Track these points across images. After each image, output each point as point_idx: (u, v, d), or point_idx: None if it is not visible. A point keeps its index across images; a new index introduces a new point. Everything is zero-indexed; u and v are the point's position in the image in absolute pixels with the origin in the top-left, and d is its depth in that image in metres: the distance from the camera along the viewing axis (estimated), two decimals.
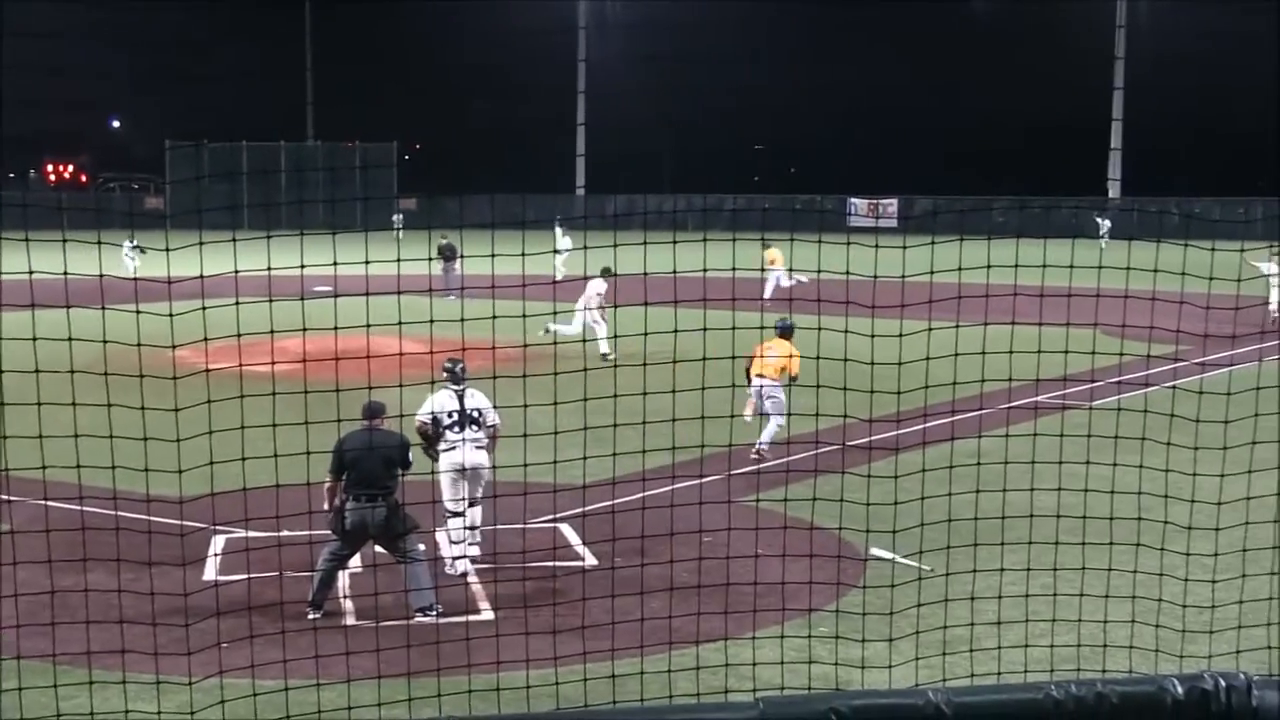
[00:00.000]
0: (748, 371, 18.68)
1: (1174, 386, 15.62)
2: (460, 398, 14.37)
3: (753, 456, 18.79)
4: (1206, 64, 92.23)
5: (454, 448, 14.29)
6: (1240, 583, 9.89)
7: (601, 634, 9.85)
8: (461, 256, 35.95)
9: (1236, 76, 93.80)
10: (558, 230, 46.51)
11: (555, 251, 42.79)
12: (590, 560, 14.35)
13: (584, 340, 27.00)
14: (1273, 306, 34.65)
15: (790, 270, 35.78)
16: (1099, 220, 71.92)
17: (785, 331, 19.07)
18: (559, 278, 40.47)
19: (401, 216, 67.02)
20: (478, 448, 14.35)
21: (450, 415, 14.34)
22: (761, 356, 19.03)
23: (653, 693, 9.23)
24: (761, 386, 19.04)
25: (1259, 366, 18.00)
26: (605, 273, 27.87)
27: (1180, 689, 4.01)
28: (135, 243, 45.04)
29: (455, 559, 14.21)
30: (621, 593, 10.86)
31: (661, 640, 10.47)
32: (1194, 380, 20.45)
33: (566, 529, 15.34)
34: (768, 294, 38.52)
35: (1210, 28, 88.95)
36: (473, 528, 14.37)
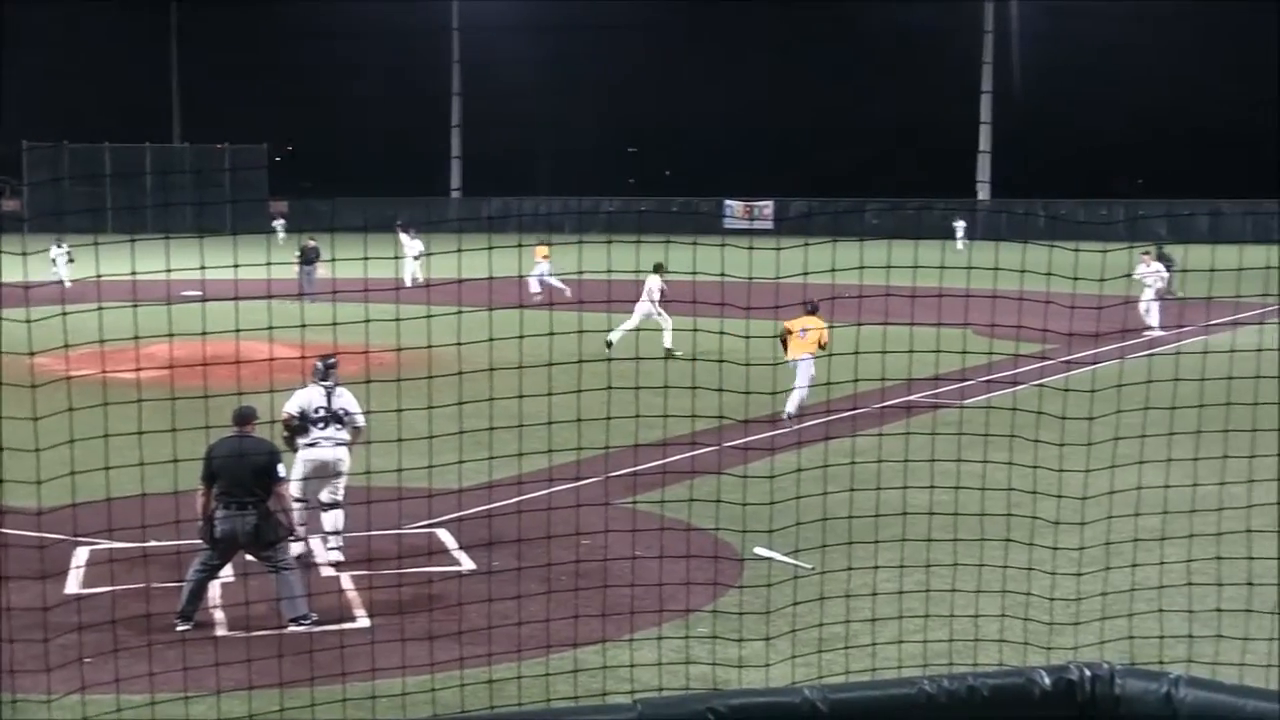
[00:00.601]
0: (784, 344, 21.35)
1: (1041, 384, 15.90)
2: (329, 395, 14.42)
3: (783, 421, 20.66)
4: (1072, 69, 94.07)
5: (316, 443, 14.38)
6: (1104, 575, 10.09)
7: (479, 639, 9.80)
8: (333, 259, 35.70)
9: (1101, 81, 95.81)
10: (402, 235, 46.14)
11: (398, 258, 42.74)
12: (468, 565, 14.27)
13: (638, 330, 28.08)
14: (1142, 309, 35.35)
15: (554, 274, 36.23)
16: (954, 224, 72.87)
17: (814, 309, 21.10)
18: (410, 283, 40.38)
19: (284, 222, 66.23)
20: (338, 444, 14.48)
21: (318, 411, 14.39)
22: (799, 335, 21.42)
23: (531, 697, 9.21)
24: (799, 362, 21.40)
25: (1121, 364, 18.37)
26: (658, 268, 28.39)
27: (1048, 680, 4.09)
28: (65, 247, 43.36)
29: (296, 540, 14.13)
30: (499, 597, 10.82)
31: (539, 644, 10.44)
32: (1060, 378, 20.84)
33: (444, 533, 15.25)
34: (535, 288, 38.55)
35: (1078, 34, 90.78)
36: (336, 532, 14.40)
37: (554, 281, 38.65)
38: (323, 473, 14.51)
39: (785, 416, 20.90)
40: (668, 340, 28.26)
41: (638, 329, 28.52)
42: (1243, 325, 29.76)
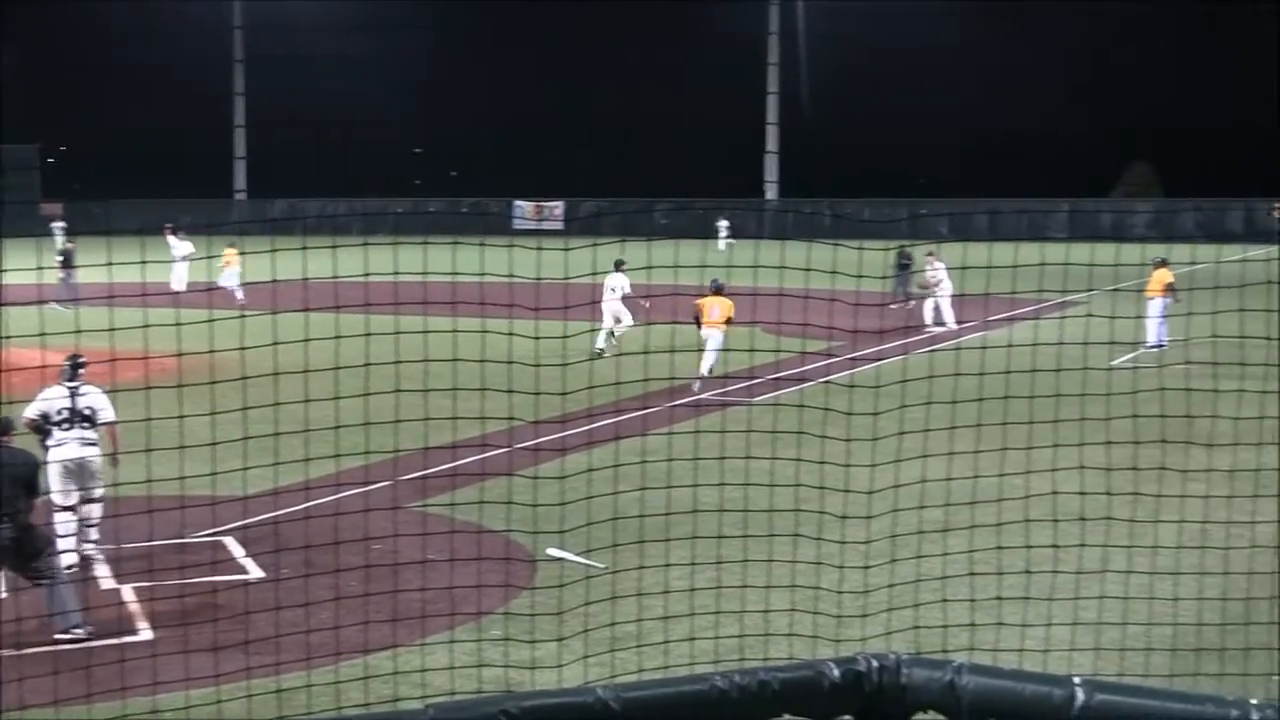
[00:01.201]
0: (697, 320, 24.86)
1: (828, 381, 16.18)
2: (73, 395, 14.12)
3: (695, 387, 23.87)
4: (858, 71, 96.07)
5: (63, 444, 14.08)
6: (890, 567, 10.30)
7: (266, 648, 9.60)
8: (110, 263, 34.62)
9: (885, 83, 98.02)
10: (170, 238, 45.10)
11: (170, 261, 41.83)
12: (255, 573, 13.98)
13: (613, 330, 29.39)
14: (928, 310, 36.19)
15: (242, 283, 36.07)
16: (719, 224, 73.59)
17: (719, 288, 24.85)
18: (177, 287, 39.53)
19: (64, 225, 64.13)
20: (86, 444, 14.23)
21: (60, 412, 14.08)
22: (710, 312, 24.95)
23: (320, 705, 9.06)
24: (710, 336, 25.03)
25: (904, 360, 18.79)
26: (619, 265, 29.68)
27: (837, 671, 4.13)
28: None
29: (65, 552, 13.81)
30: (287, 604, 10.61)
31: (329, 651, 10.28)
32: (846, 375, 21.24)
33: (230, 541, 14.92)
34: (234, 287, 38.17)
35: (863, 36, 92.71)
36: (90, 525, 14.18)
37: (234, 285, 38.03)
38: (76, 474, 14.17)
39: (702, 376, 24.51)
40: (600, 341, 28.96)
41: (612, 330, 29.46)
42: (1019, 321, 30.71)
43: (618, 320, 30.05)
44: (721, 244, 65.81)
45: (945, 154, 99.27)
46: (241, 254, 39.53)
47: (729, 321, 25.24)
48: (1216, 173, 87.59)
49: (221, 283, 38.82)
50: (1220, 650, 10.48)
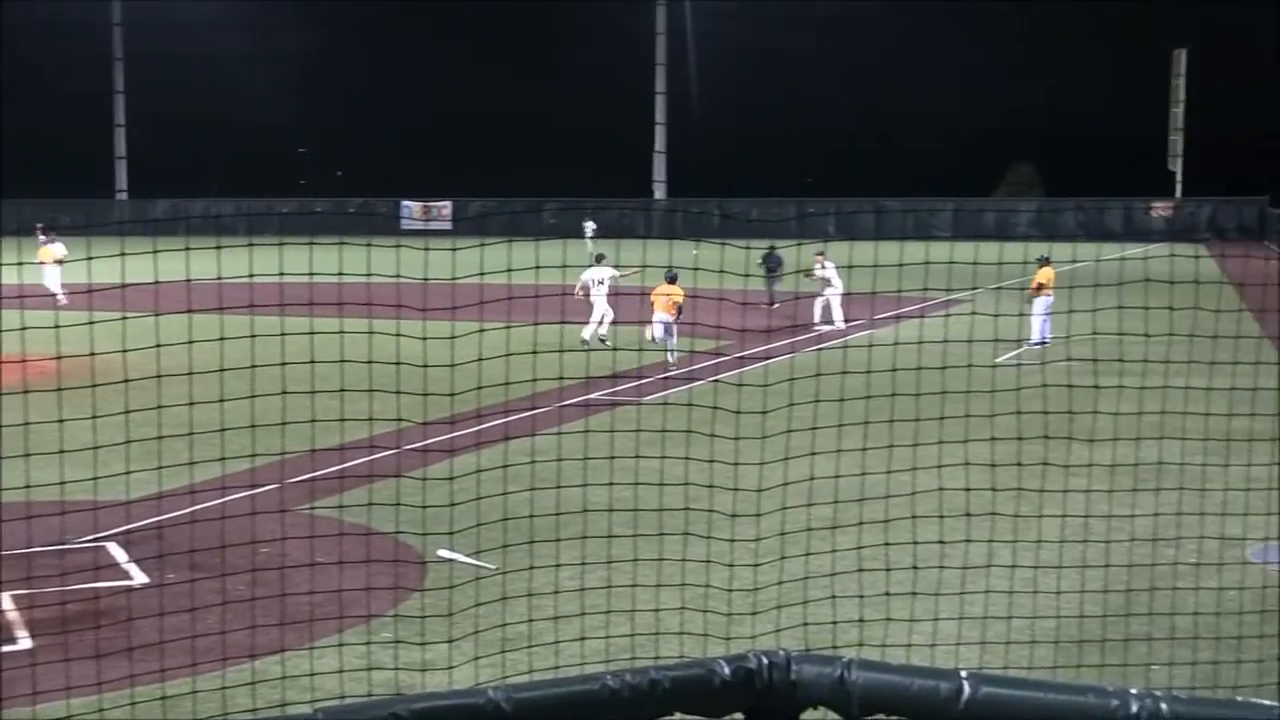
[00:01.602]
0: (653, 307, 28.18)
1: (717, 380, 16.24)
2: None
3: (671, 366, 27.08)
4: (746, 73, 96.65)
5: None
6: (780, 564, 10.37)
7: (151, 654, 9.45)
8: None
9: (774, 83, 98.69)
10: (41, 238, 44.29)
11: (41, 263, 41.11)
12: (140, 578, 13.77)
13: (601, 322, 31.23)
14: (817, 308, 36.45)
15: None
16: (584, 224, 73.67)
17: (673, 279, 27.93)
18: (52, 287, 38.85)
19: None
20: None
21: None
22: (662, 299, 28.10)
23: (207, 711, 8.94)
24: (663, 323, 28.27)
25: (792, 359, 18.92)
26: (600, 259, 32.28)
27: (727, 669, 4.14)
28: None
29: None
30: (172, 610, 10.46)
31: (216, 656, 10.14)
32: (735, 374, 21.34)
33: (114, 547, 14.67)
34: (55, 289, 37.86)
35: (752, 38, 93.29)
36: None
37: (56, 285, 37.57)
38: None
39: (671, 359, 28.11)
40: (586, 332, 30.46)
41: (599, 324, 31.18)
42: (905, 319, 31.05)
43: (603, 316, 31.70)
44: (589, 243, 65.77)
45: (832, 154, 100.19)
46: (60, 261, 39.15)
47: (679, 309, 28.03)
48: (1097, 173, 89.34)
49: (45, 282, 38.27)
50: (1101, 641, 10.68)
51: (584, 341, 29.42)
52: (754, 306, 34.23)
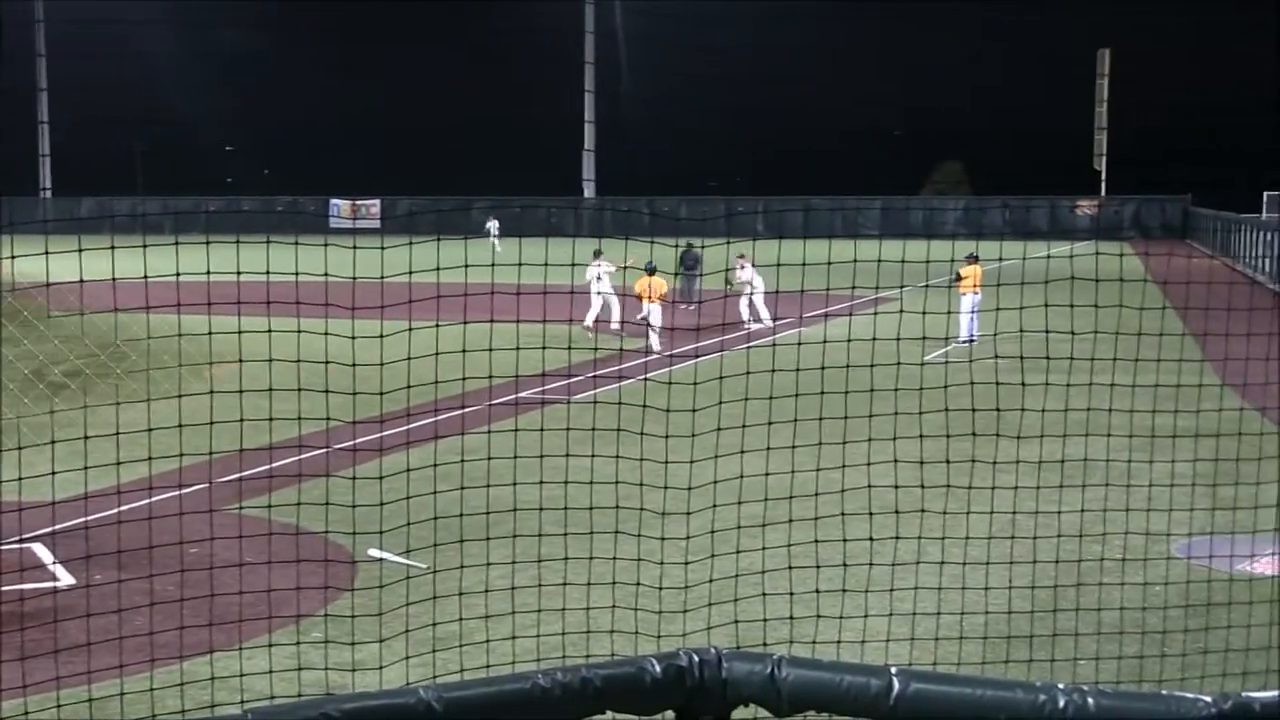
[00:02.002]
0: (639, 299, 30.90)
1: (646, 378, 16.26)
2: None
3: (655, 353, 28.79)
4: (675, 71, 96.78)
5: None
6: (711, 562, 10.40)
7: (77, 656, 9.36)
8: None
9: (702, 82, 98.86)
10: None
11: None
12: (66, 580, 13.62)
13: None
14: (742, 307, 36.53)
15: None
16: (488, 224, 73.37)
17: (652, 270, 30.56)
18: None
19: None
20: None
21: None
22: (649, 290, 30.84)
23: (135, 713, 8.86)
24: (651, 309, 30.96)
25: (721, 358, 18.98)
26: (597, 254, 33.96)
27: (658, 667, 4.15)
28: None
29: None
30: (99, 611, 10.35)
31: (144, 658, 10.05)
32: (665, 372, 21.37)
33: (39, 548, 14.51)
34: None
35: (680, 36, 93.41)
36: None
37: None
38: None
39: (656, 348, 30.02)
40: (590, 319, 32.78)
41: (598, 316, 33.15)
42: (834, 317, 31.23)
43: (605, 306, 33.95)
44: (495, 243, 65.30)
45: (761, 152, 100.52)
46: None
47: (661, 298, 31.58)
48: (1024, 171, 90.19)
49: None
50: (1029, 637, 10.79)
51: (586, 329, 31.88)
52: (674, 305, 34.84)
